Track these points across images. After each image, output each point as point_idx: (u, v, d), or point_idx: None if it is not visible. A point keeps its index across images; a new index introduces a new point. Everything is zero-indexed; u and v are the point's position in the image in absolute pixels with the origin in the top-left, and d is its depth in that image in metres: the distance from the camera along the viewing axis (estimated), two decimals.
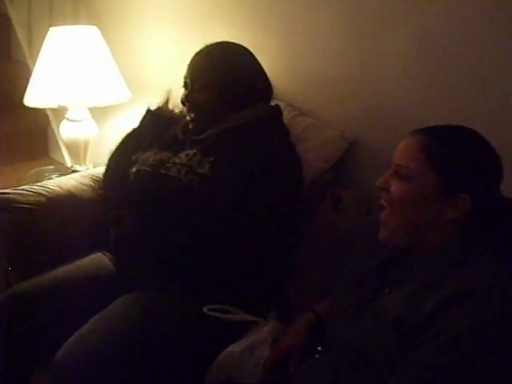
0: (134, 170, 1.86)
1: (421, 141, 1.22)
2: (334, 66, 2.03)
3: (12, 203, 1.99)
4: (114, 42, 2.63)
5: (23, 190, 2.05)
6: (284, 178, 1.68)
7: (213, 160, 1.69)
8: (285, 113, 1.98)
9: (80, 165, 2.65)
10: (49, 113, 3.42)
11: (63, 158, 3.31)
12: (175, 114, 2.04)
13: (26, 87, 2.58)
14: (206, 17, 2.44)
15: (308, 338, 1.42)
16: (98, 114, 2.72)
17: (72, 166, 2.68)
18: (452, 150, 1.20)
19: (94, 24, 2.62)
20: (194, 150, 1.76)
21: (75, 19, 3.00)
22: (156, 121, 2.03)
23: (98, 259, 1.83)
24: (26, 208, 1.97)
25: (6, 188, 2.13)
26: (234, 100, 1.81)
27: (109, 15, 2.91)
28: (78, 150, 2.64)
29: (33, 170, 2.82)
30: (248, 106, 1.82)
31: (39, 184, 2.12)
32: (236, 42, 2.21)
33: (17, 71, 3.67)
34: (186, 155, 1.76)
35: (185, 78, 1.88)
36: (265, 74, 1.90)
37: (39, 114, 3.34)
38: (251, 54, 1.91)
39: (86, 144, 2.62)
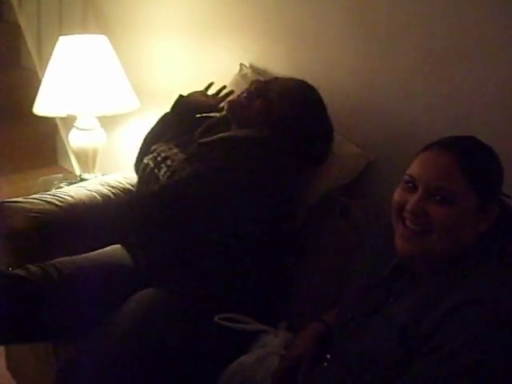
0: (145, 160, 1.89)
1: (453, 159, 1.18)
2: (344, 77, 2.02)
3: (23, 212, 2.00)
4: (123, 50, 2.64)
5: (34, 198, 2.05)
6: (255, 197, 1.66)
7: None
8: None
9: (89, 173, 2.65)
10: (58, 121, 3.44)
11: (72, 166, 3.32)
12: (206, 104, 2.07)
13: (35, 95, 2.58)
14: (214, 25, 2.45)
15: (316, 347, 1.42)
16: (107, 122, 2.73)
17: (81, 175, 2.69)
18: (483, 166, 1.20)
19: (102, 33, 2.64)
20: (187, 156, 1.78)
21: (84, 28, 3.02)
22: (185, 112, 2.03)
23: (118, 250, 1.86)
24: (37, 217, 1.98)
25: (16, 196, 2.13)
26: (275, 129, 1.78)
27: (117, 24, 2.92)
28: (86, 159, 2.64)
29: (41, 178, 2.82)
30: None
31: (50, 193, 2.12)
32: (241, 49, 2.23)
33: (26, 79, 3.69)
34: (179, 159, 1.79)
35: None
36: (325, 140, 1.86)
37: (48, 122, 3.35)
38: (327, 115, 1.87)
39: (95, 152, 2.63)
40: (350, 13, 1.96)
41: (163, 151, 1.86)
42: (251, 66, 2.27)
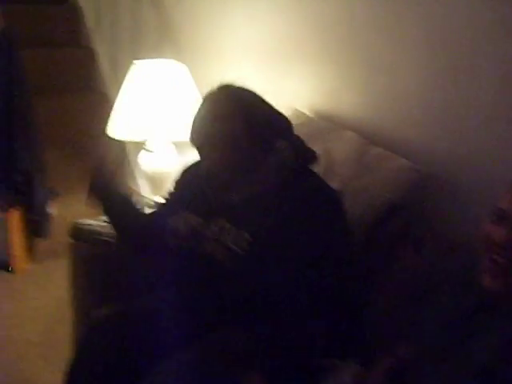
0: (171, 240, 1.76)
1: None
2: (419, 106, 1.98)
3: (93, 235, 2.03)
4: (195, 76, 2.65)
5: (105, 221, 2.08)
6: (329, 224, 1.61)
7: (249, 237, 1.60)
8: (355, 145, 1.99)
9: (158, 196, 2.66)
10: (127, 144, 3.49)
11: (139, 187, 3.36)
12: None
13: (107, 117, 2.62)
14: (288, 54, 2.45)
15: (388, 382, 1.38)
16: (180, 144, 2.73)
17: (150, 197, 2.69)
18: None
19: (176, 58, 2.67)
20: (225, 221, 1.66)
21: (158, 53, 3.06)
22: (192, 178, 1.85)
23: None
24: (106, 241, 2.00)
25: (86, 215, 2.17)
26: (260, 131, 1.67)
27: (190, 50, 2.96)
28: (156, 181, 2.64)
29: None
30: (271, 144, 1.69)
31: None
32: (315, 79, 2.20)
33: (99, 103, 3.79)
34: (220, 227, 1.66)
35: (193, 133, 1.72)
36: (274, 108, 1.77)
37: (117, 144, 3.41)
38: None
39: (166, 176, 2.62)
40: (430, 44, 1.91)
41: (184, 222, 1.74)
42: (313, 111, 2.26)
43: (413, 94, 1.99)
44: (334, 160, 2.02)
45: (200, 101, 1.76)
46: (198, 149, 1.73)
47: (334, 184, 1.91)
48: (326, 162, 2.02)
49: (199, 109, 1.73)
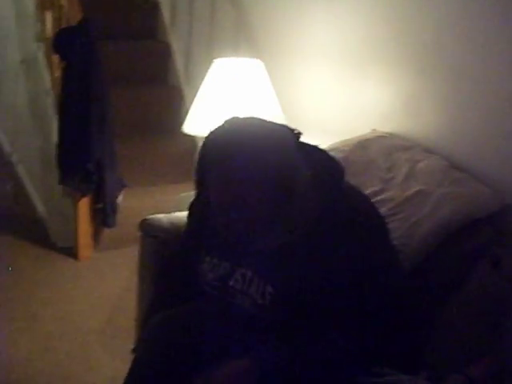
0: (204, 287, 1.66)
1: None
2: (503, 124, 1.90)
3: (161, 231, 2.04)
4: (272, 75, 2.65)
5: (176, 217, 2.09)
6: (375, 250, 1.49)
7: (272, 290, 1.52)
8: (440, 164, 1.97)
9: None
10: (198, 139, 3.51)
11: None
12: None
13: (177, 112, 2.63)
14: (367, 57, 2.42)
15: None
16: None
17: None
18: None
19: (253, 56, 2.65)
20: (248, 270, 1.58)
21: (235, 51, 3.06)
22: (205, 214, 1.64)
23: None
24: (175, 237, 1.97)
25: (155, 208, 2.17)
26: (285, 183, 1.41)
27: (268, 49, 2.95)
28: None
29: (182, 194, 2.84)
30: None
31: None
32: (393, 85, 2.14)
33: (171, 96, 3.84)
34: (243, 277, 1.58)
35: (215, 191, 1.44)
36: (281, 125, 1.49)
37: (187, 140, 3.44)
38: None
39: None
40: None
41: (211, 270, 1.64)
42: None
43: (496, 109, 1.91)
44: (419, 168, 2.00)
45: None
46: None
47: (417, 187, 1.91)
48: (409, 167, 2.00)
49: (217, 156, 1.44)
